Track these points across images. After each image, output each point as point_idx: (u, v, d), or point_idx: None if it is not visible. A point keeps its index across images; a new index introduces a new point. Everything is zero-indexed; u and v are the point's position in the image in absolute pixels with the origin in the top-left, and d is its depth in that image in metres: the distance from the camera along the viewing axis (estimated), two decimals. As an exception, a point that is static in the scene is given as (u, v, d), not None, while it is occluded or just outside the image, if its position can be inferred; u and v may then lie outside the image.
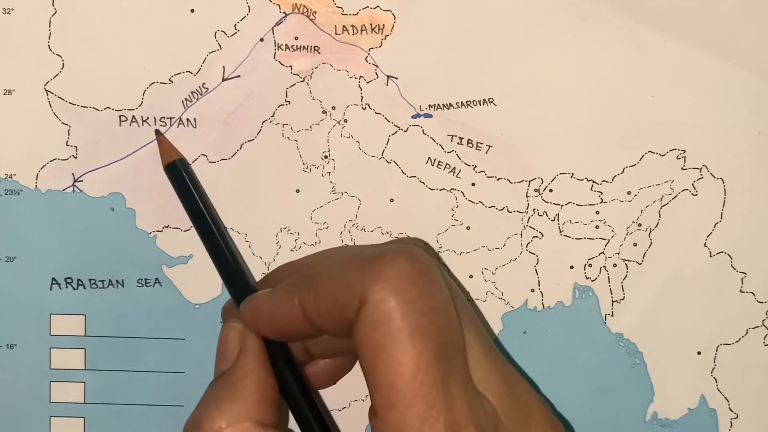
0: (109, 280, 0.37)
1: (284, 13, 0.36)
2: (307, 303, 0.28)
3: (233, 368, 0.30)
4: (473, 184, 0.37)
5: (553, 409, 0.37)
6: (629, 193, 0.37)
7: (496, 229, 0.37)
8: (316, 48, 0.36)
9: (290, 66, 0.36)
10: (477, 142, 0.37)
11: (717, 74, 0.36)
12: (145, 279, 0.37)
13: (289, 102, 0.36)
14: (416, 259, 0.26)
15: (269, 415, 0.29)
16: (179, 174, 0.35)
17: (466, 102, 0.36)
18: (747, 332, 0.37)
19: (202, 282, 0.37)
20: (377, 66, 0.36)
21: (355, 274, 0.26)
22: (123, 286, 0.37)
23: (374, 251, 0.27)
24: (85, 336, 0.37)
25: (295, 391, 0.31)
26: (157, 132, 0.36)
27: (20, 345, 0.37)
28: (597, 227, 0.37)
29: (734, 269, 0.37)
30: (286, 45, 0.36)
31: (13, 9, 0.36)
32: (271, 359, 0.31)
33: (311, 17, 0.36)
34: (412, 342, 0.25)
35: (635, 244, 0.37)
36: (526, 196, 0.37)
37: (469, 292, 0.37)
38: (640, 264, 0.37)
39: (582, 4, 0.36)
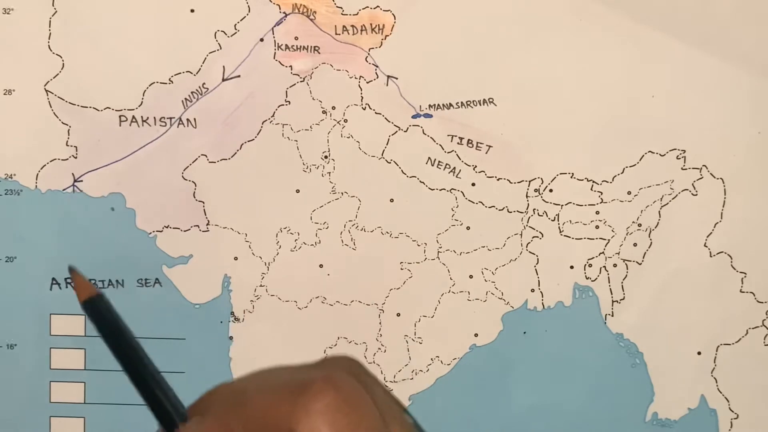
0: (109, 280, 0.37)
1: (284, 13, 0.36)
2: None
3: None
4: (473, 184, 0.37)
5: (554, 409, 0.37)
6: (629, 193, 0.37)
7: (496, 229, 0.37)
8: (316, 48, 0.36)
9: (290, 66, 0.36)
10: (477, 142, 0.37)
11: (717, 74, 0.36)
12: (145, 279, 0.37)
13: (289, 102, 0.36)
14: (343, 387, 0.28)
15: None
16: (97, 310, 0.35)
17: (466, 102, 0.36)
18: (747, 332, 0.37)
19: (202, 282, 0.37)
20: (377, 66, 0.36)
21: (284, 406, 0.27)
22: (123, 286, 0.37)
23: (303, 379, 0.28)
24: (85, 336, 0.37)
25: None
26: (71, 269, 0.36)
27: (20, 345, 0.37)
28: (597, 227, 0.37)
29: (734, 269, 0.37)
30: (286, 45, 0.36)
31: (13, 9, 0.36)
32: None
33: (311, 17, 0.36)
34: None
35: (635, 244, 0.37)
36: (526, 196, 0.37)
37: (469, 292, 0.37)
38: (640, 264, 0.37)
39: (582, 4, 0.36)
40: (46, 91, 0.36)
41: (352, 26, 0.36)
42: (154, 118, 0.36)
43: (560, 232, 0.37)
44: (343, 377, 0.28)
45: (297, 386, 0.28)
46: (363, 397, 0.29)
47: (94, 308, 0.35)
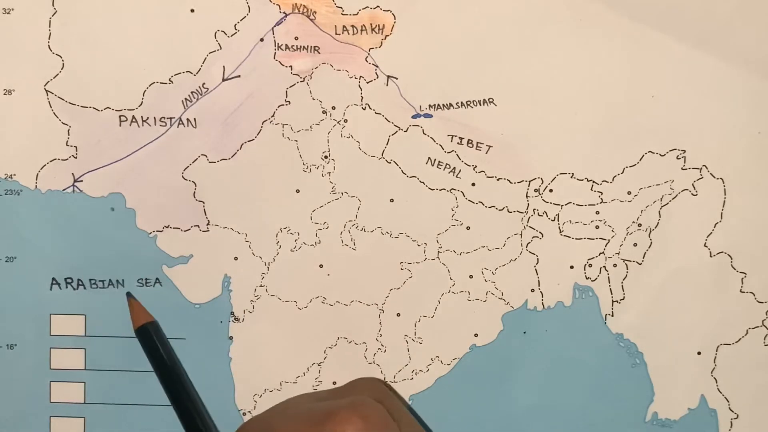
0: (109, 280, 0.37)
1: (284, 13, 0.36)
2: None
3: None
4: (473, 184, 0.37)
5: (554, 409, 0.37)
6: (629, 193, 0.37)
7: (496, 229, 0.37)
8: (316, 48, 0.36)
9: (290, 66, 0.36)
10: (477, 142, 0.37)
11: (717, 74, 0.36)
12: (145, 279, 0.37)
13: (289, 102, 0.36)
14: (368, 415, 0.28)
15: None
16: (149, 337, 0.35)
17: (466, 102, 0.36)
18: (747, 332, 0.37)
19: (202, 282, 0.37)
20: (377, 66, 0.36)
21: None
22: (123, 286, 0.37)
23: (328, 407, 0.28)
24: (85, 336, 0.37)
25: None
26: (129, 294, 0.36)
27: (20, 345, 0.37)
28: (597, 227, 0.37)
29: (734, 269, 0.37)
30: (286, 45, 0.36)
31: (13, 9, 0.36)
32: None
33: (311, 17, 0.36)
34: None
35: (635, 244, 0.37)
36: (526, 196, 0.37)
37: (469, 292, 0.37)
38: (640, 264, 0.37)
39: (582, 4, 0.36)
40: (46, 91, 0.36)
41: (352, 26, 0.36)
42: (154, 118, 0.36)
43: (560, 232, 0.37)
44: (369, 404, 0.28)
45: (322, 415, 0.28)
46: (389, 424, 0.28)
47: (146, 335, 0.35)
